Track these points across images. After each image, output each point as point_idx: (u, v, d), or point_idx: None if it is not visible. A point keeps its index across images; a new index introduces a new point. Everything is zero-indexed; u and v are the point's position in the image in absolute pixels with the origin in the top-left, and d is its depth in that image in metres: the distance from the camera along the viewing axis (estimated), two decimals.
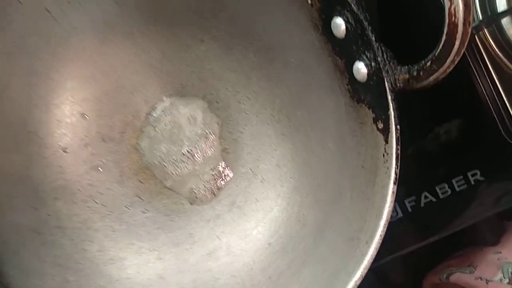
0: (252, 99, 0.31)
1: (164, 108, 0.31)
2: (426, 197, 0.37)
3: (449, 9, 0.18)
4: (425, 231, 0.37)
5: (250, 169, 0.31)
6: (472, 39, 0.36)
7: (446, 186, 0.37)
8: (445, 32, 0.19)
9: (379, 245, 0.21)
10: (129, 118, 0.31)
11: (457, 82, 0.37)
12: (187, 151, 0.31)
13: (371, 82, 0.23)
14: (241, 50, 0.30)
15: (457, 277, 0.47)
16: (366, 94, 0.24)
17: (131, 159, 0.31)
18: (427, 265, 0.42)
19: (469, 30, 0.18)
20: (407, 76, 0.22)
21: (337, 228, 0.25)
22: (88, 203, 0.30)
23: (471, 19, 0.18)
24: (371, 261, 0.21)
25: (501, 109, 0.37)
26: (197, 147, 0.31)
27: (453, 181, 0.37)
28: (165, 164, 0.31)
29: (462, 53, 0.19)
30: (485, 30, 0.36)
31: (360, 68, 0.24)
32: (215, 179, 0.31)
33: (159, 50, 0.30)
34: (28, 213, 0.27)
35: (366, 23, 0.22)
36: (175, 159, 0.31)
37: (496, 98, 0.37)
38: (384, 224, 0.21)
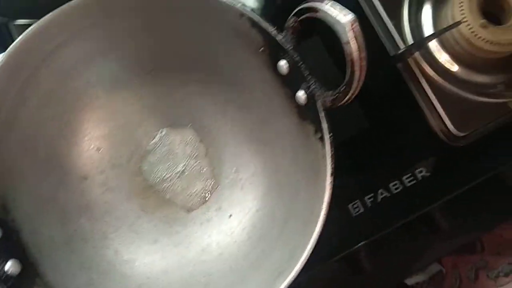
0: (229, 125, 0.39)
1: (160, 138, 0.39)
2: (382, 193, 0.44)
3: (347, 51, 0.27)
4: (385, 221, 0.44)
5: (232, 180, 0.39)
6: (404, 61, 0.45)
7: (398, 182, 0.44)
8: (349, 66, 0.27)
9: (323, 222, 0.29)
10: (133, 148, 0.39)
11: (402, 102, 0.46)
12: (181, 170, 0.39)
13: (309, 104, 0.31)
14: (217, 87, 0.38)
15: None
16: (308, 114, 0.32)
17: (136, 181, 0.39)
18: (391, 251, 0.49)
19: (363, 64, 0.27)
20: (331, 98, 0.30)
21: (296, 217, 0.32)
22: (104, 218, 0.37)
23: (363, 56, 0.26)
24: (318, 235, 0.29)
25: (435, 116, 0.45)
26: (188, 166, 0.39)
27: (403, 178, 0.45)
28: (164, 182, 0.39)
29: (363, 79, 0.27)
30: (416, 52, 0.45)
31: (301, 95, 0.32)
32: (204, 190, 0.39)
33: (154, 94, 0.39)
34: (57, 227, 0.35)
35: (301, 63, 0.31)
36: (171, 177, 0.39)
37: (431, 108, 0.45)
38: (326, 207, 0.29)
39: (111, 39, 0.35)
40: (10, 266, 0.30)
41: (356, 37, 0.26)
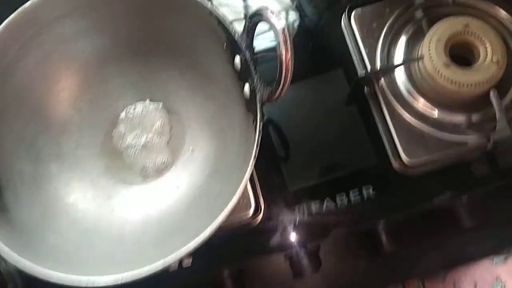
0: (196, 110, 0.44)
1: (134, 110, 0.45)
2: (327, 202, 0.47)
3: (277, 52, 0.31)
4: (324, 230, 0.47)
5: (187, 158, 0.44)
6: (371, 86, 0.49)
7: (344, 195, 0.47)
8: (278, 65, 0.32)
9: (234, 204, 0.33)
10: (110, 115, 0.45)
11: (363, 118, 0.49)
12: (145, 142, 0.44)
13: (252, 97, 0.36)
14: (191, 76, 0.44)
15: None
16: (251, 105, 0.37)
17: (107, 143, 0.45)
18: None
19: (290, 65, 0.31)
20: (267, 93, 0.34)
21: (224, 196, 0.36)
22: (72, 168, 0.43)
23: (289, 57, 0.31)
24: (226, 215, 0.32)
25: (391, 143, 0.48)
26: (152, 139, 0.44)
27: (350, 192, 0.48)
28: (129, 149, 0.44)
29: (289, 78, 0.32)
30: (382, 79, 0.48)
31: (246, 89, 0.37)
32: (162, 163, 0.44)
33: (138, 72, 0.45)
34: (29, 165, 0.41)
35: (250, 60, 0.36)
36: (136, 146, 0.44)
37: (387, 134, 0.48)
38: (239, 193, 0.33)
39: (106, 19, 0.41)
40: None
41: (285, 41, 0.31)
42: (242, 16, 0.52)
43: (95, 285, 0.32)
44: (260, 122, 0.34)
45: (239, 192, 0.33)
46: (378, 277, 0.53)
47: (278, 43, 0.31)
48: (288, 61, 0.31)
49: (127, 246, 0.39)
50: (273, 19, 0.31)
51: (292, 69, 0.32)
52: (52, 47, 0.41)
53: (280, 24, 0.31)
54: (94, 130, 0.45)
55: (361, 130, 0.49)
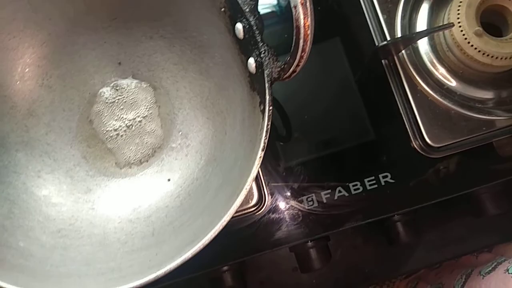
0: (187, 88, 0.38)
1: (115, 88, 0.38)
2: (340, 191, 0.42)
3: (294, 16, 0.25)
4: (335, 220, 0.42)
5: (179, 145, 0.37)
6: (390, 57, 0.43)
7: (359, 183, 0.42)
8: (294, 33, 0.25)
9: (243, 196, 0.27)
10: (87, 95, 0.38)
11: (380, 96, 0.43)
12: (129, 125, 0.37)
13: (258, 73, 0.30)
14: (181, 47, 0.37)
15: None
16: (257, 84, 0.30)
17: (84, 128, 0.38)
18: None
19: (308, 32, 0.25)
20: (278, 69, 0.28)
21: (226, 189, 0.31)
22: (43, 157, 0.36)
23: (308, 23, 0.24)
24: (235, 210, 0.27)
25: (412, 122, 0.42)
26: (137, 122, 0.38)
27: (365, 180, 0.42)
28: (110, 133, 0.37)
29: (307, 49, 0.25)
30: (403, 51, 0.42)
31: (251, 63, 0.30)
32: (148, 150, 0.38)
33: (117, 42, 0.38)
34: None
35: (255, 27, 0.29)
36: (119, 130, 0.37)
37: (409, 113, 0.43)
38: (250, 182, 0.27)
39: None
40: None
41: (303, 3, 0.24)
42: None
43: None
44: (269, 105, 0.28)
45: (244, 192, 0.27)
46: (390, 268, 0.49)
47: (295, 6, 0.24)
48: (307, 29, 0.24)
49: (111, 249, 0.33)
50: None
51: (312, 39, 0.25)
52: (11, 14, 0.34)
53: None
54: (68, 112, 0.38)
55: (377, 108, 0.43)
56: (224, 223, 0.27)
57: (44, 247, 0.32)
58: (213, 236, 0.27)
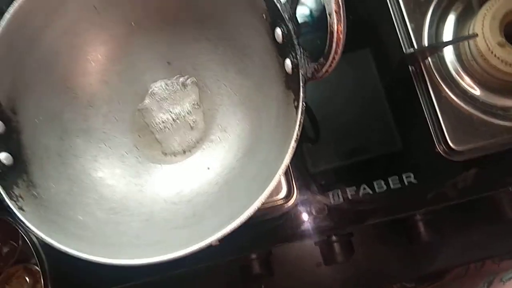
0: (227, 86, 0.42)
1: (165, 86, 0.42)
2: (364, 188, 0.45)
3: (328, 22, 0.28)
4: (359, 216, 0.45)
5: (218, 137, 0.41)
6: (417, 64, 0.45)
7: (383, 182, 0.45)
8: (328, 37, 0.29)
9: (274, 185, 0.30)
10: (139, 90, 0.43)
11: (406, 101, 0.46)
12: (175, 118, 0.42)
13: (294, 74, 0.33)
14: (224, 49, 0.41)
15: None
16: (291, 83, 0.34)
17: (136, 119, 0.43)
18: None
19: (341, 37, 0.28)
20: (312, 69, 0.31)
21: (260, 178, 0.34)
22: (99, 144, 0.41)
23: (341, 29, 0.28)
24: (265, 198, 0.30)
25: (436, 127, 0.45)
26: (182, 115, 0.42)
27: (389, 179, 0.45)
28: (158, 125, 0.42)
29: (339, 52, 0.29)
30: (429, 58, 0.45)
31: (288, 64, 0.34)
32: (192, 140, 0.42)
33: (167, 43, 0.42)
34: (55, 140, 0.39)
35: (293, 32, 0.33)
36: (166, 122, 0.42)
37: (433, 118, 0.45)
38: (281, 171, 0.31)
39: None
40: (4, 157, 0.35)
41: (338, 10, 0.27)
42: None
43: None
44: (302, 102, 0.32)
45: (277, 177, 0.31)
46: (411, 267, 0.51)
47: (330, 13, 0.28)
48: (340, 34, 0.28)
49: (157, 225, 0.38)
50: None
51: (344, 43, 0.28)
52: (79, 16, 0.39)
53: None
54: (123, 105, 0.43)
55: (403, 114, 0.46)
56: (259, 204, 0.31)
57: (99, 221, 0.37)
58: (249, 214, 0.31)
